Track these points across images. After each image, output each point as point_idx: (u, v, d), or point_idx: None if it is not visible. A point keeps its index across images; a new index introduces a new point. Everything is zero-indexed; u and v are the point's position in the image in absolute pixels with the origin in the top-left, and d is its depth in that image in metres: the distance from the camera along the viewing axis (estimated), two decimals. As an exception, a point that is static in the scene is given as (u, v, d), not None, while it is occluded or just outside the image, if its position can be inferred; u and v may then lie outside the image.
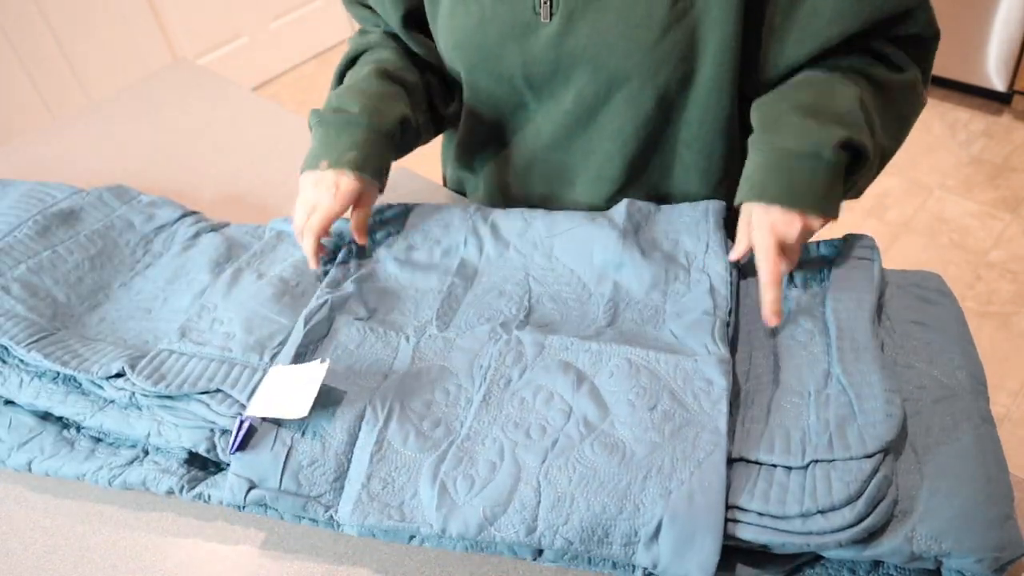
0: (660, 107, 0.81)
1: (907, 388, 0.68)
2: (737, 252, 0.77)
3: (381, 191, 0.88)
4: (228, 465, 0.69)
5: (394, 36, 0.94)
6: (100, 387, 0.74)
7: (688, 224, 0.84)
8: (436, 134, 0.99)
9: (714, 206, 0.85)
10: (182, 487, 0.70)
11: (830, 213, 0.73)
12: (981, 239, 2.11)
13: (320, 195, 0.82)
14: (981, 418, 0.65)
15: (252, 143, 1.21)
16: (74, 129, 1.27)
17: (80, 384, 0.75)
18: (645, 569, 0.62)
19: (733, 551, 0.62)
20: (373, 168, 0.84)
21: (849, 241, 0.80)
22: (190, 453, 0.72)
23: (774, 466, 0.62)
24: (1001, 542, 0.57)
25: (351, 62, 0.95)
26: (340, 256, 0.87)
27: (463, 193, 1.06)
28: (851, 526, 0.58)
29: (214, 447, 0.69)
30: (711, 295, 0.76)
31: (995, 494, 0.59)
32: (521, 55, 0.81)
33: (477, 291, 0.81)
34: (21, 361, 0.77)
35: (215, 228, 0.96)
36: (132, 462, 0.73)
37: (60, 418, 0.77)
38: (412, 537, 0.65)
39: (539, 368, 0.70)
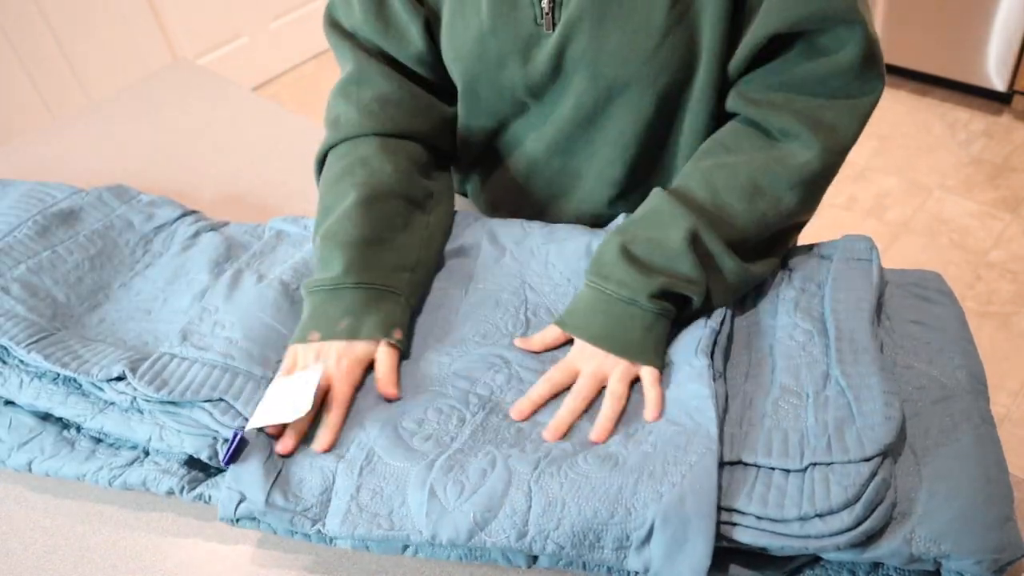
0: (660, 111, 0.81)
1: (906, 389, 0.68)
2: (540, 345, 0.75)
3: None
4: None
5: (371, 108, 0.86)
6: (101, 389, 0.73)
7: None
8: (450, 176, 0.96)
9: None
10: (182, 488, 0.70)
11: (651, 362, 0.71)
12: (981, 239, 2.11)
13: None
14: (981, 419, 0.65)
15: (252, 143, 1.21)
16: (74, 129, 1.27)
17: (80, 385, 0.75)
18: (637, 573, 0.62)
19: (731, 553, 0.62)
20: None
21: (848, 242, 0.80)
22: (191, 454, 0.72)
23: (772, 469, 0.62)
24: (1000, 544, 0.57)
25: (328, 152, 0.89)
26: None
27: (464, 194, 1.06)
28: (849, 530, 0.57)
29: (216, 454, 0.69)
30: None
31: (994, 495, 0.59)
32: (523, 66, 0.81)
33: (473, 300, 0.81)
34: (21, 362, 0.77)
35: (215, 227, 0.96)
36: (132, 463, 0.73)
37: (60, 418, 0.76)
38: (406, 547, 0.65)
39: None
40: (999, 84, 2.41)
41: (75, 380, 0.75)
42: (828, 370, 0.68)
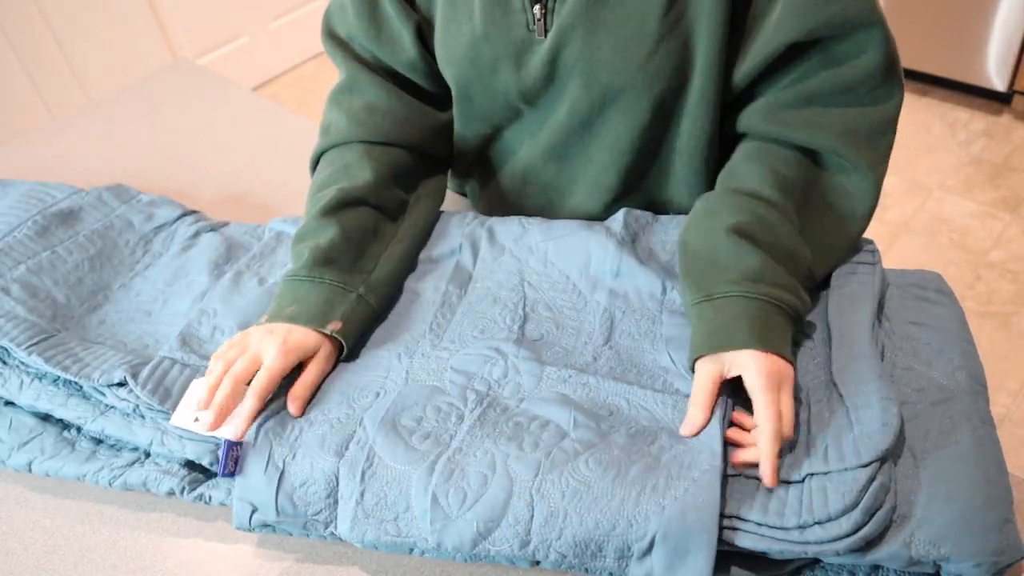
0: (656, 117, 0.81)
1: (906, 391, 0.68)
2: (697, 424, 0.65)
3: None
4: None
5: (361, 117, 0.87)
6: (102, 393, 0.73)
7: None
8: (445, 180, 0.96)
9: None
10: (183, 488, 0.70)
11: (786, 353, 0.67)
12: (981, 239, 2.11)
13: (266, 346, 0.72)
14: (980, 420, 0.65)
15: (252, 143, 1.21)
16: (74, 129, 1.27)
17: (81, 387, 0.75)
18: None
19: (731, 555, 0.62)
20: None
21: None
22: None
23: None
24: (1000, 546, 0.57)
25: (320, 158, 0.91)
26: None
27: (464, 195, 1.06)
28: (848, 535, 0.57)
29: (217, 460, 0.69)
30: None
31: (994, 498, 0.59)
32: (516, 72, 0.81)
33: (471, 298, 0.81)
34: (22, 363, 0.77)
35: (215, 228, 0.96)
36: (133, 463, 0.73)
37: (61, 419, 0.76)
38: (412, 549, 0.65)
39: (536, 399, 0.70)
40: (999, 84, 2.41)
41: (76, 382, 0.75)
42: (826, 377, 0.68)
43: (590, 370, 0.72)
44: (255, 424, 0.68)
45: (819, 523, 0.58)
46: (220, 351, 0.73)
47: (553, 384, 0.71)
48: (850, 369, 0.67)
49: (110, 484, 0.72)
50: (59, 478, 0.74)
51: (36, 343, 0.77)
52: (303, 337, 0.73)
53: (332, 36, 0.90)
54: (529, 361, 0.73)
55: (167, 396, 0.71)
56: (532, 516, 0.61)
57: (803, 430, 0.65)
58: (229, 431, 0.68)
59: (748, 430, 0.66)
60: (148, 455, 0.73)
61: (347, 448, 0.66)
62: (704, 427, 0.65)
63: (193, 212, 0.99)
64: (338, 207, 0.82)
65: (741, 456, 0.63)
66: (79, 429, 0.76)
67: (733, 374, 0.67)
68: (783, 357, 0.66)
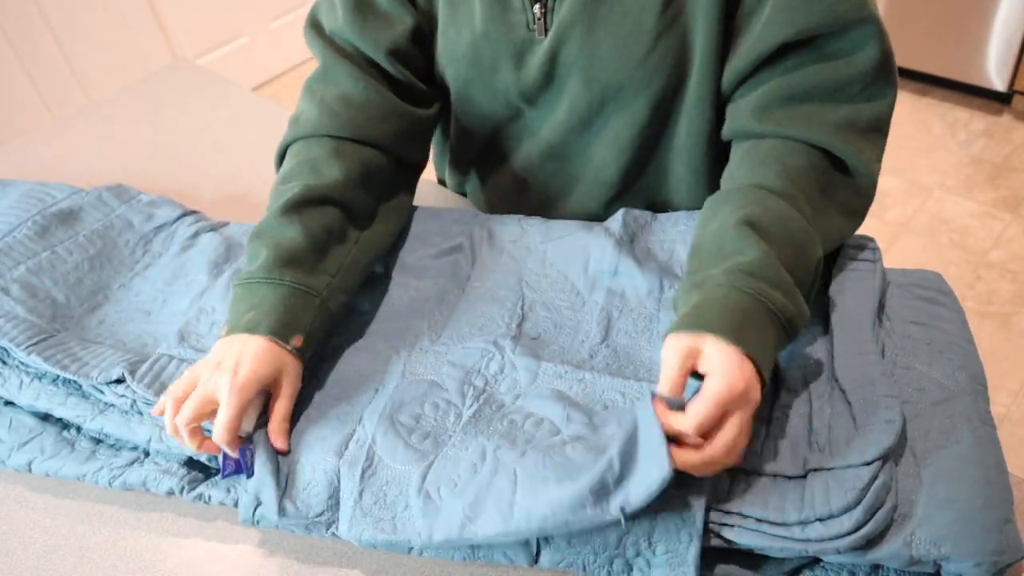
0: (655, 114, 0.81)
1: (906, 391, 0.68)
2: (673, 385, 0.61)
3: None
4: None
5: (333, 109, 0.83)
6: (101, 391, 0.73)
7: (684, 234, 0.83)
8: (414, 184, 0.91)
9: None
10: (183, 488, 0.70)
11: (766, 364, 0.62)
12: (981, 239, 2.11)
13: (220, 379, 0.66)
14: (980, 420, 0.65)
15: (252, 143, 1.21)
16: (74, 129, 1.27)
17: (80, 386, 0.75)
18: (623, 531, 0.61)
19: (732, 553, 0.63)
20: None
21: (850, 243, 0.80)
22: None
23: (773, 476, 0.62)
24: (1000, 546, 0.57)
25: (287, 149, 0.87)
26: None
27: (463, 194, 1.06)
28: (849, 534, 0.57)
29: (216, 456, 0.69)
30: None
31: (994, 497, 0.59)
32: (515, 71, 0.81)
33: (470, 297, 0.81)
34: (21, 362, 0.77)
35: (214, 228, 0.96)
36: (133, 463, 0.73)
37: (60, 419, 0.76)
38: (411, 548, 0.65)
39: (532, 396, 0.70)
40: (999, 84, 2.41)
41: (75, 381, 0.75)
42: (828, 375, 0.68)
43: (586, 366, 0.72)
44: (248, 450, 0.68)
45: (820, 520, 0.58)
46: (170, 389, 0.67)
47: (549, 380, 0.71)
48: (852, 366, 0.67)
49: (110, 484, 0.72)
50: (59, 478, 0.74)
51: (36, 343, 0.77)
52: (256, 365, 0.66)
53: (315, 25, 0.86)
54: (525, 357, 0.73)
55: (162, 389, 0.71)
56: (515, 490, 0.61)
57: (805, 425, 0.65)
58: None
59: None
60: (147, 455, 0.73)
61: (347, 448, 0.67)
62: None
63: (193, 212, 0.99)
64: (302, 204, 0.76)
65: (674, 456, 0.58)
66: (79, 429, 0.76)
67: (700, 368, 0.61)
68: (756, 365, 0.60)
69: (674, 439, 0.59)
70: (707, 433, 0.58)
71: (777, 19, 0.71)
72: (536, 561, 0.64)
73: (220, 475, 0.67)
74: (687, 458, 0.58)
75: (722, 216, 0.70)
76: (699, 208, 0.83)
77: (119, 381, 0.73)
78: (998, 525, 0.58)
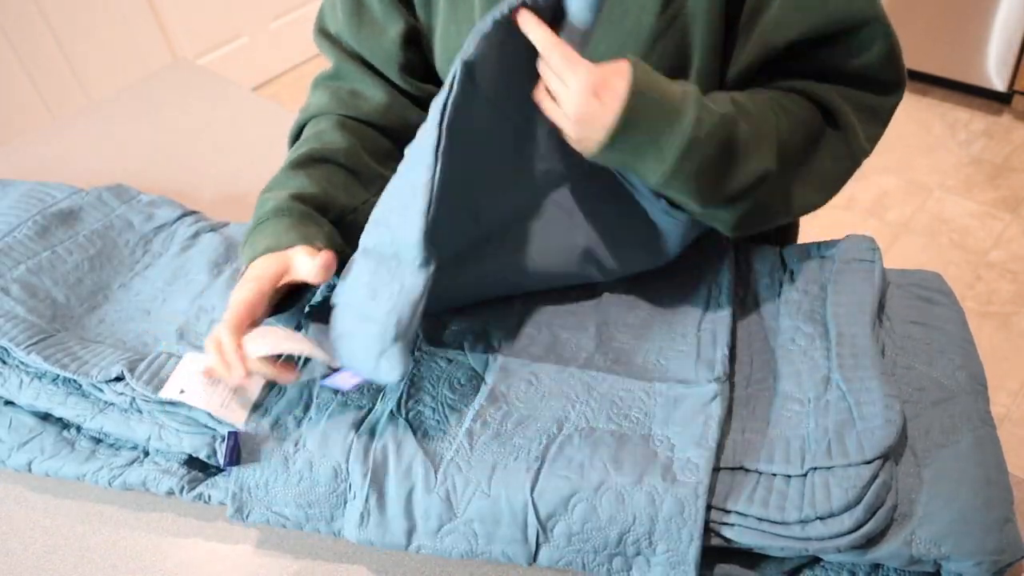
0: None
1: (907, 390, 0.68)
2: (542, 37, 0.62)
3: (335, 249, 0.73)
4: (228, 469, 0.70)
5: (343, 97, 0.86)
6: (100, 390, 0.73)
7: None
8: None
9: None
10: (182, 487, 0.70)
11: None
12: (981, 239, 2.11)
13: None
14: (980, 420, 0.65)
15: (252, 143, 1.21)
16: (74, 129, 1.27)
17: (80, 386, 0.75)
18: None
19: (732, 553, 0.63)
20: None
21: (850, 242, 0.80)
22: (190, 454, 0.72)
23: (774, 475, 0.62)
24: (1000, 545, 0.57)
25: (301, 129, 0.89)
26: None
27: None
28: (850, 532, 0.58)
29: (215, 453, 0.69)
30: (706, 302, 0.76)
31: (994, 497, 0.59)
32: None
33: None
34: (21, 362, 0.77)
35: (214, 228, 0.96)
36: (132, 463, 0.73)
37: (60, 419, 0.76)
38: (420, 548, 0.66)
39: (535, 398, 0.70)
40: (999, 84, 2.41)
41: (75, 381, 0.75)
42: (829, 374, 0.68)
43: (590, 365, 0.72)
44: (255, 423, 0.69)
45: (820, 518, 0.58)
46: (206, 342, 0.68)
47: (553, 382, 0.71)
48: (852, 366, 0.67)
49: (110, 484, 0.72)
50: (59, 478, 0.74)
51: (35, 343, 0.77)
52: (262, 261, 0.68)
53: (322, 32, 0.89)
54: (527, 360, 0.73)
55: (161, 385, 0.71)
56: (493, 469, 0.64)
57: (805, 424, 0.65)
58: (229, 414, 0.68)
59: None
60: (147, 454, 0.73)
61: (351, 448, 0.67)
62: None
63: (193, 212, 0.99)
64: (308, 162, 0.78)
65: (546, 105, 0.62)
66: (79, 429, 0.76)
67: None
68: (630, 92, 0.61)
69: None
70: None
71: (787, 18, 0.71)
72: (535, 560, 0.64)
73: (223, 464, 0.67)
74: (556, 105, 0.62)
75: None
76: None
77: (118, 379, 0.73)
78: (998, 524, 0.58)
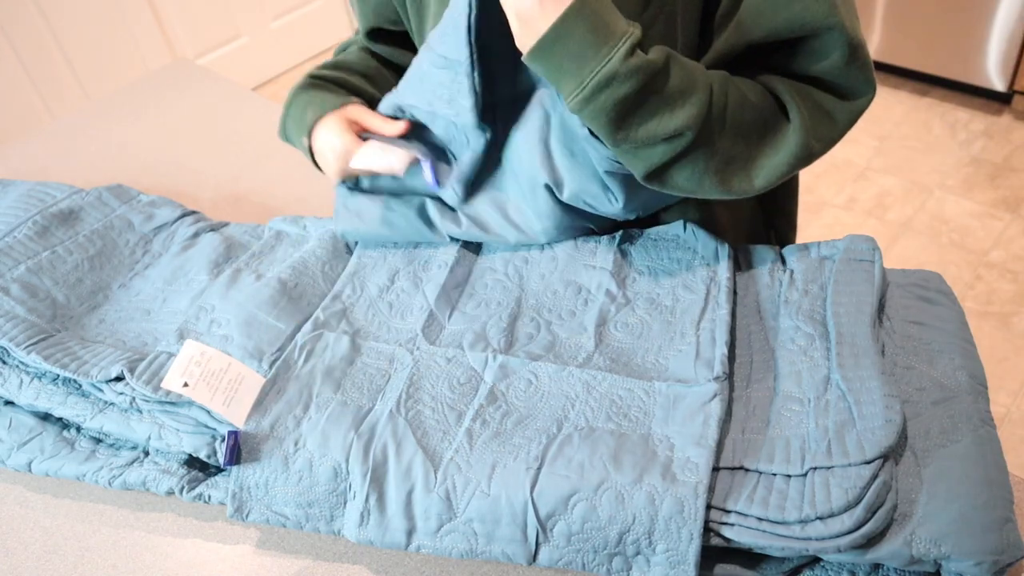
0: None
1: (907, 390, 0.68)
2: None
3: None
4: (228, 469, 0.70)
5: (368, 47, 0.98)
6: (100, 390, 0.74)
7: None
8: None
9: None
10: (182, 487, 0.70)
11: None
12: (981, 239, 2.11)
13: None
14: (980, 420, 0.65)
15: (252, 143, 1.21)
16: (74, 129, 1.27)
17: (80, 386, 0.75)
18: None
19: (732, 553, 0.63)
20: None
21: (850, 242, 0.80)
22: (190, 454, 0.72)
23: (774, 474, 0.62)
24: (1000, 545, 0.57)
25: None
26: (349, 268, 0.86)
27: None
28: (850, 532, 0.57)
29: (215, 452, 0.69)
30: (705, 300, 0.76)
31: (994, 497, 0.59)
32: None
33: (467, 306, 0.81)
34: (21, 362, 0.77)
35: (214, 228, 0.96)
36: (132, 463, 0.73)
37: (60, 418, 0.76)
38: (409, 544, 0.66)
39: (534, 398, 0.70)
40: (999, 84, 2.41)
41: (75, 381, 0.75)
42: (829, 374, 0.68)
43: (589, 364, 0.72)
44: (255, 421, 0.69)
45: (820, 518, 0.58)
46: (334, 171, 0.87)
47: (552, 381, 0.71)
48: (852, 365, 0.67)
49: (110, 484, 0.72)
50: (59, 478, 0.74)
51: (35, 343, 0.77)
52: (326, 124, 0.84)
53: None
54: (526, 359, 0.73)
55: (161, 384, 0.71)
56: (492, 468, 0.64)
57: (805, 424, 0.65)
58: (232, 414, 0.68)
59: None
60: (147, 454, 0.73)
61: (351, 447, 0.67)
62: None
63: (193, 212, 0.99)
64: (332, 66, 0.92)
65: None
66: (79, 429, 0.76)
67: None
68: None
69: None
70: None
71: (747, 20, 0.71)
72: (535, 559, 0.64)
73: (222, 463, 0.67)
74: None
75: None
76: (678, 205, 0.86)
77: (118, 379, 0.73)
78: (998, 524, 0.58)
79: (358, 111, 0.86)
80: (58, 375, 0.76)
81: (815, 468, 0.61)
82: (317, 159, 0.87)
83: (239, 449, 0.67)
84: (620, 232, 0.84)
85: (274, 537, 0.70)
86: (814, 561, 0.62)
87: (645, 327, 0.76)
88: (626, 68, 0.64)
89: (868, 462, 0.60)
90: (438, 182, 0.83)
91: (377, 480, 0.65)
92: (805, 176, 2.26)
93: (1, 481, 0.77)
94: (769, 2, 0.69)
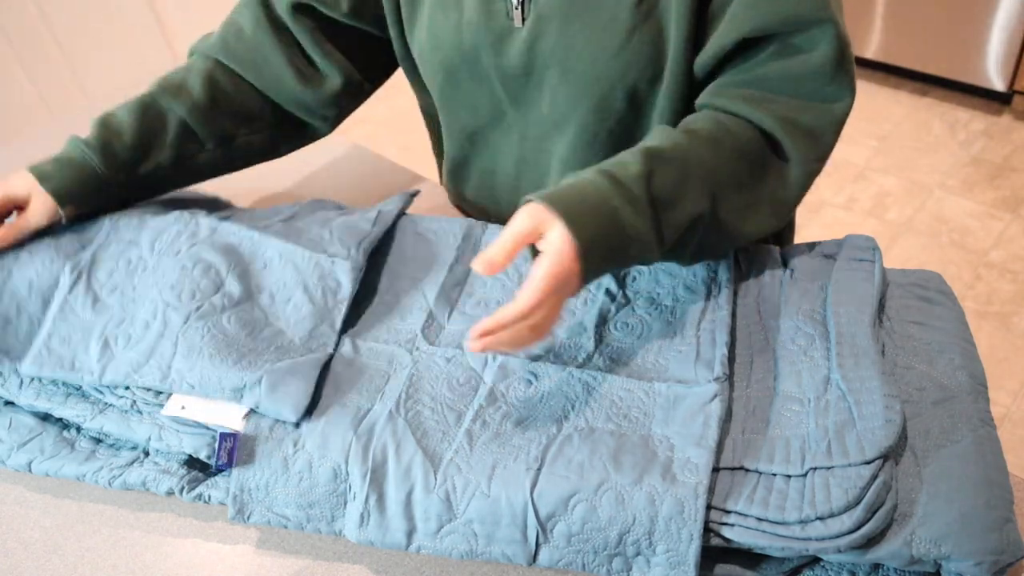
0: (630, 109, 0.81)
1: (907, 390, 0.68)
2: (514, 245, 0.65)
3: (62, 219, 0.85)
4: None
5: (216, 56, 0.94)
6: (100, 391, 0.74)
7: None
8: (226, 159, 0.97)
9: None
10: (182, 488, 0.70)
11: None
12: (981, 239, 2.11)
13: None
14: (980, 420, 0.65)
15: (252, 143, 1.20)
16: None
17: (80, 386, 0.75)
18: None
19: (731, 553, 0.63)
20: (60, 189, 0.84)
21: (850, 242, 0.80)
22: (190, 455, 0.72)
23: (773, 475, 0.62)
24: (1000, 545, 0.57)
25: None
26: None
27: (459, 207, 1.07)
28: (850, 532, 0.57)
29: (214, 453, 0.69)
30: (705, 299, 0.76)
31: (994, 497, 0.59)
32: (496, 59, 0.82)
33: (466, 306, 0.81)
34: (21, 362, 0.77)
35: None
36: (132, 463, 0.73)
37: (60, 419, 0.76)
38: (409, 544, 0.66)
39: (533, 399, 0.70)
40: (999, 84, 2.41)
41: (75, 381, 0.75)
42: (829, 374, 0.68)
43: (588, 366, 0.72)
44: (255, 420, 0.69)
45: (820, 518, 0.58)
46: None
47: (552, 382, 0.71)
48: (852, 365, 0.67)
49: (109, 484, 0.72)
50: (59, 478, 0.74)
51: (36, 343, 0.77)
52: (16, 179, 0.82)
53: None
54: (525, 359, 0.73)
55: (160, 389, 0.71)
56: (492, 469, 0.64)
57: (805, 424, 0.65)
58: (229, 425, 0.68)
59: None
60: (147, 454, 0.73)
61: (350, 448, 0.67)
62: (499, 262, 0.64)
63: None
64: (151, 95, 0.88)
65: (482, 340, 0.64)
66: (79, 429, 0.76)
67: (540, 246, 0.66)
68: (584, 261, 0.65)
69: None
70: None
71: (739, 15, 0.72)
72: (535, 560, 0.64)
73: (215, 465, 0.68)
74: (499, 338, 0.64)
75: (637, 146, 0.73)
76: None
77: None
78: (998, 524, 0.58)
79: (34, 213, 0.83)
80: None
81: (815, 468, 0.61)
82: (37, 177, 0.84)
83: (236, 451, 0.67)
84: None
85: (274, 537, 0.71)
86: (814, 561, 0.63)
87: (645, 327, 0.76)
88: (639, 231, 0.68)
89: (868, 462, 0.60)
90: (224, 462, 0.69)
91: (377, 481, 0.65)
92: (805, 176, 2.26)
93: (1, 481, 0.77)
94: None
